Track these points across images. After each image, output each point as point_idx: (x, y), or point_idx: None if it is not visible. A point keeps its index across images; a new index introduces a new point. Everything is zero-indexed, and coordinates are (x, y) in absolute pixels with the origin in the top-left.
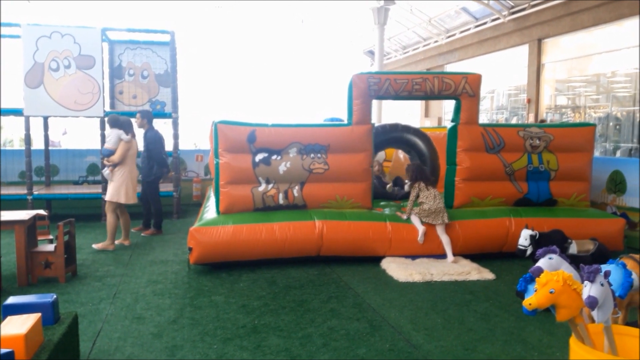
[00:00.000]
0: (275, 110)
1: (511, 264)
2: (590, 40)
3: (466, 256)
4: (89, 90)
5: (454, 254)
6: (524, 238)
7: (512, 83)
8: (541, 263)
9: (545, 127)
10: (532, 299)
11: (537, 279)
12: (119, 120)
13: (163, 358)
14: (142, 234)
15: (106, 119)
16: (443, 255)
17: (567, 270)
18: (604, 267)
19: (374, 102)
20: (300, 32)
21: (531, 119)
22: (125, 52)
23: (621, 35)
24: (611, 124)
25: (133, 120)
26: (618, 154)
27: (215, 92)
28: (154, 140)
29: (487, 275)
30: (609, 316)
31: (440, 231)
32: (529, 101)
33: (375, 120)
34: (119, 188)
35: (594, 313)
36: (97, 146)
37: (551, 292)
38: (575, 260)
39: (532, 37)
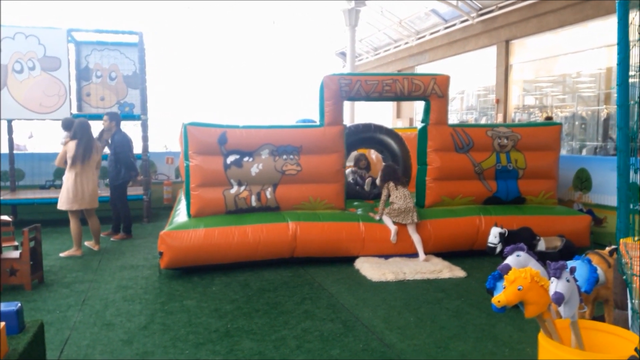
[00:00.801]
0: (248, 112)
1: (482, 261)
2: (556, 42)
3: (438, 254)
4: (55, 93)
5: (426, 253)
6: (494, 236)
7: (481, 84)
8: (509, 260)
9: (512, 127)
10: (501, 296)
11: (505, 276)
12: (71, 123)
13: None
14: (112, 239)
15: (60, 122)
16: (416, 254)
17: (534, 267)
18: (570, 264)
19: (347, 104)
20: (272, 34)
21: (500, 119)
22: (93, 53)
23: (586, 36)
24: (577, 123)
25: (100, 122)
26: (584, 152)
27: (186, 93)
28: (121, 143)
29: (458, 273)
30: (575, 311)
31: (411, 230)
32: (497, 101)
33: (348, 122)
34: (65, 193)
35: (561, 309)
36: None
37: (519, 289)
38: (543, 257)
39: (500, 39)
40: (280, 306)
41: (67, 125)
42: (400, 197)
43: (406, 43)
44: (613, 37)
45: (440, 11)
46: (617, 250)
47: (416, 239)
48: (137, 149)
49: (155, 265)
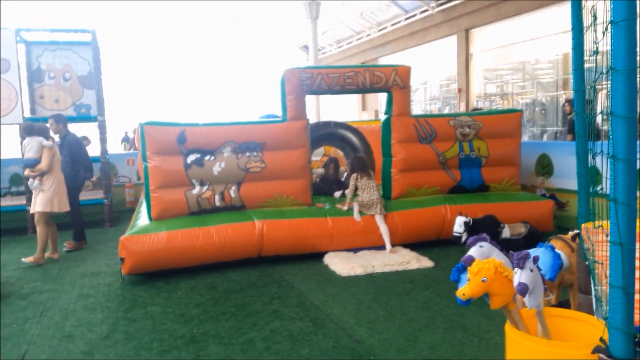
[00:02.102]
0: (210, 110)
1: (448, 250)
2: (515, 29)
3: (405, 245)
4: (6, 96)
5: (394, 244)
6: (459, 225)
7: (444, 73)
8: (472, 252)
9: (474, 115)
10: (466, 289)
11: (469, 268)
12: (34, 128)
13: None
14: (65, 249)
15: (20, 127)
16: (384, 246)
17: (497, 257)
18: (533, 252)
19: (311, 98)
20: (233, 29)
21: (462, 108)
22: (44, 53)
23: (543, 23)
24: (537, 109)
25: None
26: (545, 137)
27: (145, 92)
28: (77, 143)
29: (426, 263)
30: (540, 301)
31: (379, 221)
32: (459, 90)
33: (313, 116)
34: (52, 197)
35: (525, 299)
36: (19, 155)
37: (483, 281)
38: (508, 244)
39: (460, 28)
40: (248, 307)
41: (28, 130)
42: (365, 189)
43: (368, 35)
44: (569, 23)
45: (400, 2)
46: (579, 236)
47: (383, 229)
48: (96, 150)
49: (117, 272)
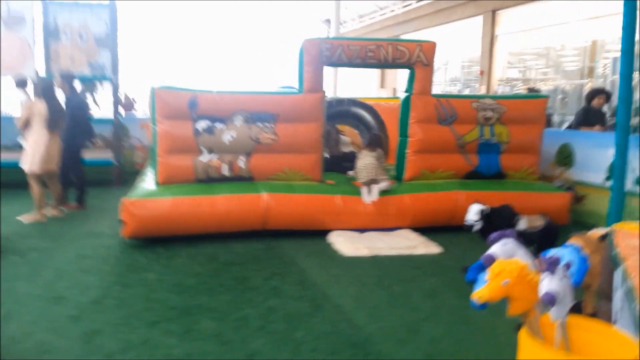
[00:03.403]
0: (228, 80)
1: (458, 236)
2: (543, 13)
3: (415, 229)
4: (19, 52)
5: (403, 227)
6: (474, 212)
7: (466, 55)
8: (494, 249)
9: (498, 99)
10: (484, 291)
11: (489, 268)
12: (25, 81)
13: (77, 345)
14: (63, 208)
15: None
16: (392, 228)
17: (522, 257)
18: (556, 252)
19: (329, 72)
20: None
21: (483, 91)
22: (61, 11)
23: (572, 7)
24: (559, 97)
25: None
26: (564, 126)
27: (163, 58)
28: (79, 105)
29: (434, 249)
30: (566, 313)
31: (374, 189)
32: (482, 73)
33: (330, 91)
34: (29, 156)
35: (551, 310)
36: None
37: (504, 284)
38: (523, 237)
39: (487, 8)
40: (246, 282)
41: (21, 82)
42: (362, 156)
43: (392, 11)
44: (600, 8)
45: None
46: (609, 237)
47: (376, 187)
48: (108, 112)
49: (118, 234)
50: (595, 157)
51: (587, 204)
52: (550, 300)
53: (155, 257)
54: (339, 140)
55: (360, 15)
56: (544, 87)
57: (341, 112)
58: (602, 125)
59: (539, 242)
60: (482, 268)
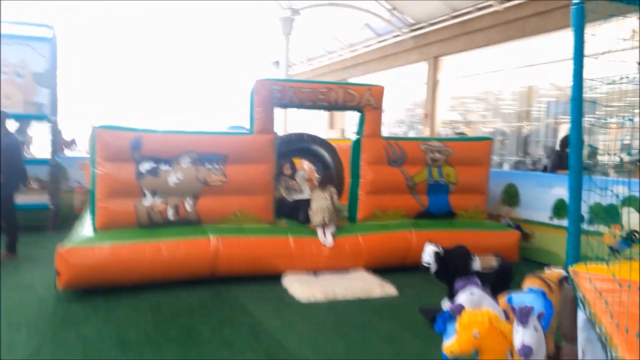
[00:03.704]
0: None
1: (413, 277)
2: (482, 60)
3: (369, 270)
4: None
5: (358, 268)
6: (428, 254)
7: (411, 98)
8: (462, 299)
9: (445, 141)
10: (454, 346)
11: (458, 319)
12: None
13: None
14: None
15: None
16: (347, 270)
17: (491, 307)
18: (519, 297)
19: (279, 113)
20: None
21: (427, 133)
22: None
23: (509, 55)
24: (499, 138)
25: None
26: (505, 166)
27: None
28: (12, 146)
29: (389, 290)
30: None
31: (328, 232)
32: (425, 116)
33: (280, 131)
34: None
35: None
36: None
37: (475, 336)
38: (479, 278)
39: (430, 55)
40: (195, 334)
41: None
42: (317, 198)
43: (340, 55)
44: (534, 57)
45: (373, 25)
46: (569, 279)
47: (330, 229)
48: (46, 152)
49: (54, 285)
50: (539, 196)
51: (534, 241)
52: (527, 354)
53: (93, 310)
54: (294, 176)
55: (309, 59)
56: (485, 129)
57: (301, 149)
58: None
59: (494, 282)
60: (451, 318)
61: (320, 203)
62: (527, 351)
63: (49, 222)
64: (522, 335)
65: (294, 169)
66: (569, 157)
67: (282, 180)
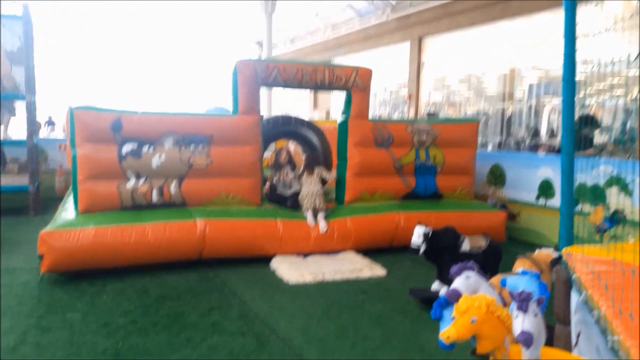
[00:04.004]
0: (156, 102)
1: (401, 257)
2: (466, 41)
3: (358, 251)
4: None
5: (346, 250)
6: (417, 235)
7: (395, 79)
8: (457, 284)
9: (432, 123)
10: (451, 331)
11: (455, 305)
12: None
13: None
14: None
15: None
16: (335, 252)
17: (487, 292)
18: (513, 279)
19: (264, 94)
20: (184, 17)
21: (411, 114)
22: None
23: (493, 36)
24: (483, 119)
25: None
26: (489, 147)
27: (84, 75)
28: None
29: (378, 271)
30: (539, 350)
31: (320, 217)
32: (409, 97)
33: (265, 111)
34: None
35: (526, 350)
36: None
37: (472, 322)
38: (468, 258)
39: (414, 35)
40: (183, 318)
41: None
42: (307, 182)
43: (323, 35)
44: (517, 39)
45: (356, 6)
46: (562, 261)
47: (321, 215)
48: (22, 133)
49: (36, 269)
50: (525, 176)
51: (520, 221)
52: (527, 341)
53: (78, 294)
54: (293, 162)
55: (292, 39)
56: (469, 111)
57: (288, 131)
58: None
59: (482, 262)
60: (447, 303)
61: (310, 188)
62: (527, 337)
63: (30, 204)
64: (521, 322)
65: (292, 161)
66: (562, 139)
67: (278, 172)
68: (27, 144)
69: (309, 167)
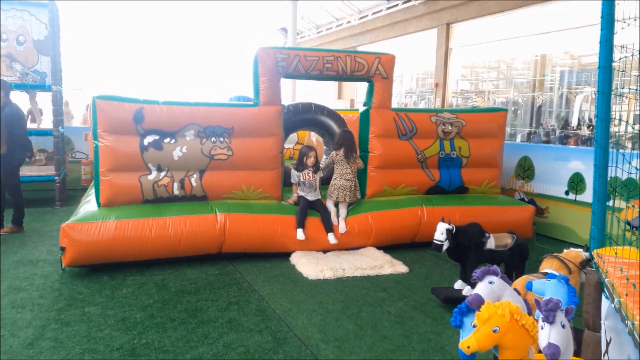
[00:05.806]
0: (179, 91)
1: (424, 254)
2: (495, 27)
3: (379, 248)
4: None
5: (367, 246)
6: (440, 232)
7: (421, 67)
8: (480, 289)
9: (457, 112)
10: (472, 341)
11: (477, 312)
12: None
13: None
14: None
15: None
16: (355, 248)
17: (512, 298)
18: (540, 283)
19: (287, 83)
20: (210, 8)
21: (438, 103)
22: None
23: (523, 22)
24: (513, 108)
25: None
26: (518, 138)
27: (109, 65)
28: (16, 117)
29: (400, 268)
30: None
31: (342, 207)
32: (436, 85)
33: (288, 102)
34: None
35: None
36: None
37: (495, 331)
38: (492, 256)
39: (442, 21)
40: (200, 314)
41: None
42: (342, 173)
43: (348, 22)
44: (550, 23)
45: None
46: (593, 263)
47: (342, 213)
48: (48, 123)
49: (58, 261)
50: (555, 170)
51: (548, 216)
52: (554, 355)
53: (98, 288)
54: (317, 169)
55: (317, 26)
56: (497, 99)
57: (308, 119)
58: None
59: (508, 261)
60: (468, 310)
61: (344, 182)
62: (554, 350)
63: (56, 195)
64: (548, 333)
65: (317, 165)
66: (596, 130)
67: (301, 174)
68: (54, 134)
69: (348, 149)
